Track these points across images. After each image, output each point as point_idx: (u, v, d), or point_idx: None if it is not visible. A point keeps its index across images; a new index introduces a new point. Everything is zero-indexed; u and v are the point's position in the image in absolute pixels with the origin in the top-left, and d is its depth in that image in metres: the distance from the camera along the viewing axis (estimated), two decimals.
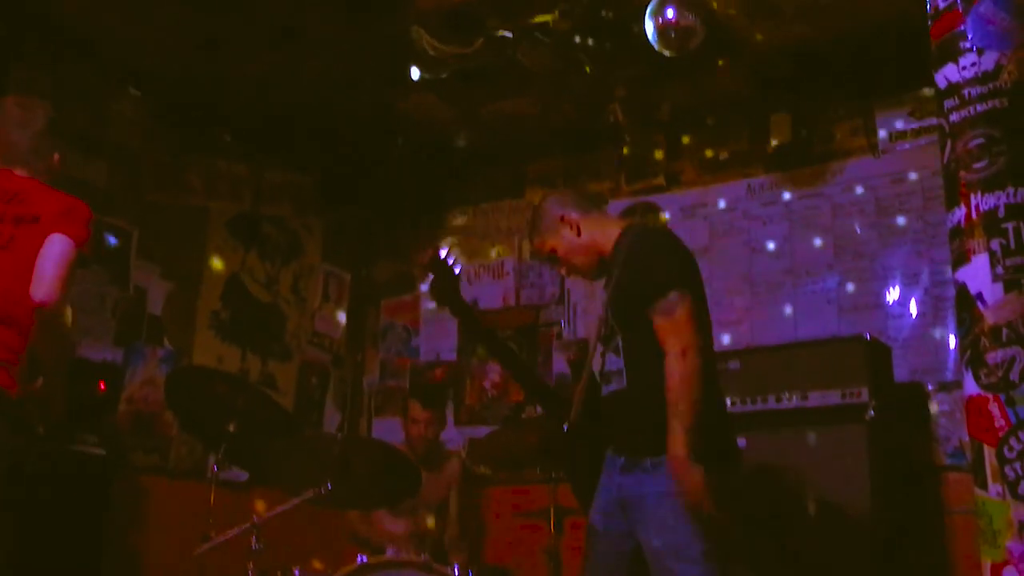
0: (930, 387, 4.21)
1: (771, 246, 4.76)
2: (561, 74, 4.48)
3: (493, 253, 5.54)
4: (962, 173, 2.60)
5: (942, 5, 2.72)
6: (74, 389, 4.05)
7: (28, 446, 2.92)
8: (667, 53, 3.94)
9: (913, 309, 4.36)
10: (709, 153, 5.06)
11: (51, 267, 2.64)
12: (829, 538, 3.57)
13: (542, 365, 5.20)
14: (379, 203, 5.82)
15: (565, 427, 2.90)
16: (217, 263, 5.11)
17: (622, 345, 2.69)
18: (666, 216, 5.08)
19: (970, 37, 2.62)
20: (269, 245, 5.36)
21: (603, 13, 4.09)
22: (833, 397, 3.74)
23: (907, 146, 4.53)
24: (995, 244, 2.49)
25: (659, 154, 5.18)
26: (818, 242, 4.64)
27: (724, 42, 4.25)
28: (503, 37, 4.13)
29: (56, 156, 2.99)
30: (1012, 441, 2.39)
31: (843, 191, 4.64)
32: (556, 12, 4.03)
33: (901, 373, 4.14)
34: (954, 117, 2.64)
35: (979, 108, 2.58)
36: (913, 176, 4.47)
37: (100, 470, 3.91)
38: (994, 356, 2.44)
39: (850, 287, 4.51)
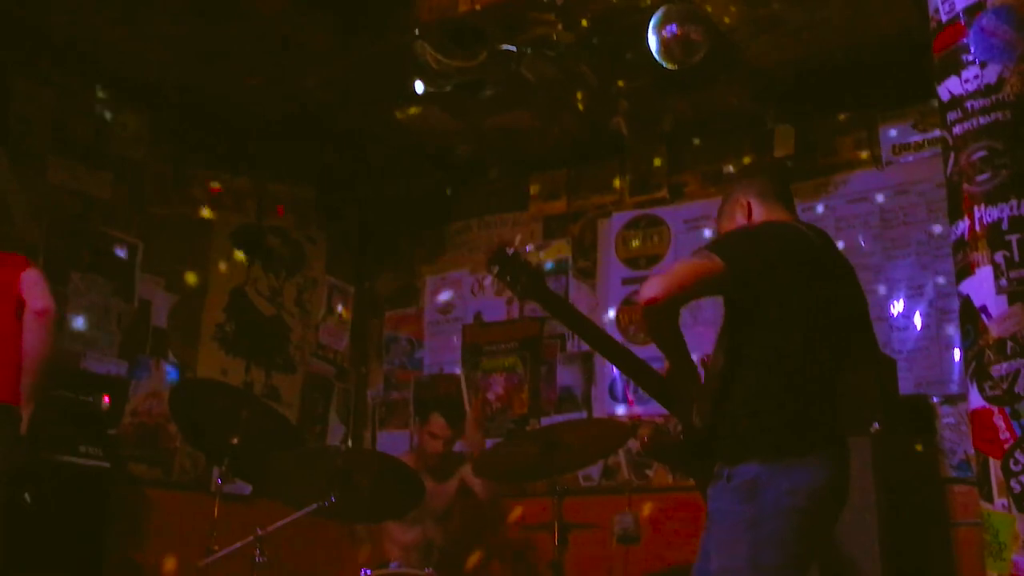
0: (935, 400, 4.20)
1: None
2: (564, 87, 4.49)
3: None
4: (965, 186, 2.60)
5: (944, 18, 2.73)
6: (78, 401, 4.05)
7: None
8: (671, 66, 3.95)
9: (918, 321, 4.35)
10: (713, 165, 5.06)
11: (40, 284, 3.30)
12: (834, 550, 3.55)
13: (546, 377, 5.20)
14: (382, 216, 5.83)
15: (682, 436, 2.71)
16: (221, 274, 5.12)
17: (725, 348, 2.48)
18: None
19: (973, 50, 2.63)
20: (273, 258, 5.36)
21: (606, 27, 4.10)
22: None
23: (911, 158, 4.54)
24: (999, 256, 2.49)
25: (661, 165, 5.19)
26: None
27: (727, 55, 4.26)
28: (506, 50, 4.14)
29: None
30: (1017, 454, 2.38)
31: (847, 203, 4.64)
32: (560, 25, 4.04)
33: (906, 386, 4.13)
34: (957, 129, 2.64)
35: (982, 120, 2.58)
36: (917, 188, 4.47)
37: (103, 483, 3.91)
38: (999, 368, 2.44)
39: None
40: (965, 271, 2.58)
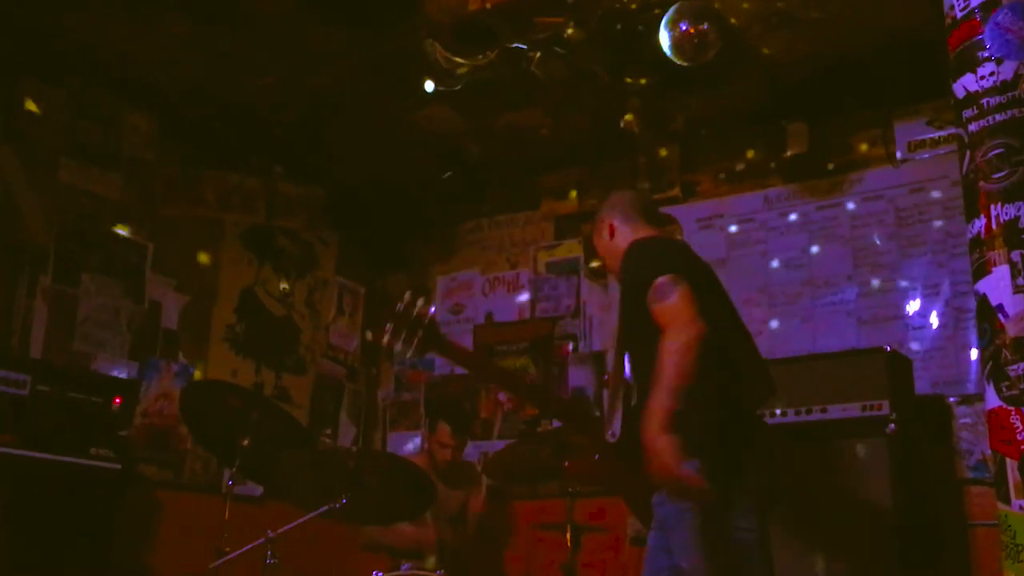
0: (952, 400, 4.15)
1: (789, 257, 4.72)
2: (575, 85, 4.47)
3: (508, 266, 5.53)
4: (981, 183, 2.57)
5: (960, 14, 2.69)
6: (89, 403, 4.05)
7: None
8: (683, 63, 3.92)
9: (934, 321, 4.31)
10: (725, 164, 5.03)
11: None
12: (851, 552, 3.52)
13: (557, 378, 5.17)
14: (392, 216, 5.82)
15: (596, 456, 2.84)
16: (231, 275, 5.12)
17: (629, 360, 2.66)
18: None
19: (988, 47, 2.59)
20: (283, 258, 5.36)
21: (617, 24, 4.07)
22: (853, 410, 3.69)
23: (926, 156, 4.49)
24: (1016, 255, 2.46)
25: (673, 165, 5.16)
26: (836, 253, 4.59)
27: (740, 52, 4.22)
28: (517, 48, 4.12)
29: None
30: None
31: (862, 201, 4.60)
32: (570, 23, 4.02)
33: (922, 386, 4.09)
34: (973, 127, 2.61)
35: (998, 117, 2.55)
36: (933, 186, 4.43)
37: (114, 484, 3.90)
38: (1016, 368, 2.41)
39: (869, 299, 4.47)
40: (981, 270, 2.55)
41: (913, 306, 4.37)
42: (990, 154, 2.56)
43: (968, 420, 4.08)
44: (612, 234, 2.92)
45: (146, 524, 4.36)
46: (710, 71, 4.10)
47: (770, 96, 4.67)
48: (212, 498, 4.29)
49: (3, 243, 4.11)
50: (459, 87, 4.32)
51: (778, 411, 3.78)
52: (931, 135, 4.47)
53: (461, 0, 3.98)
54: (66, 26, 4.17)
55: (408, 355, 3.02)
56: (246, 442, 3.46)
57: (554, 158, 5.40)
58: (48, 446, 3.63)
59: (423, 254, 5.78)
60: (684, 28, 3.81)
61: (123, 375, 4.49)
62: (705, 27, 3.81)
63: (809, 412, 3.78)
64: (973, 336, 4.01)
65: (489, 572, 4.82)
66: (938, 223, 4.38)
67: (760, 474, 2.56)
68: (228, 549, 3.33)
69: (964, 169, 2.65)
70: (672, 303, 2.48)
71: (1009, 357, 2.42)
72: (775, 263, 4.74)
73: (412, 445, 5.45)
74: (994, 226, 2.51)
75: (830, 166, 4.71)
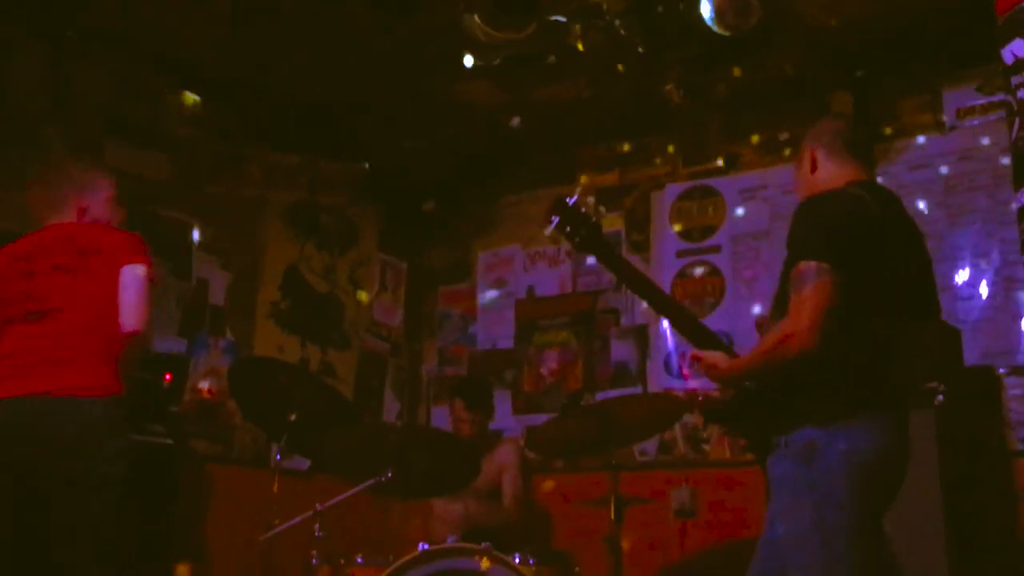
0: (1001, 370, 4.09)
1: None
2: (614, 56, 4.42)
3: (549, 240, 5.51)
4: None
5: None
6: (141, 380, 4.13)
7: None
8: (724, 32, 3.86)
9: (983, 290, 4.23)
10: (768, 134, 4.96)
11: (135, 297, 2.95)
12: (900, 525, 3.49)
13: (600, 352, 5.17)
14: (433, 191, 5.82)
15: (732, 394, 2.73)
16: (275, 252, 5.17)
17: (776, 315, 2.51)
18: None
19: None
20: (326, 235, 5.40)
21: None
22: None
23: (976, 122, 4.39)
24: None
25: (716, 136, 5.10)
26: None
27: (782, 20, 4.15)
28: (556, 21, 4.09)
29: (119, 217, 3.27)
30: None
31: (909, 170, 4.51)
32: None
33: (971, 356, 4.03)
34: (1021, 93, 2.55)
35: None
36: (981, 154, 4.33)
37: (168, 459, 3.98)
38: None
39: None
40: None
41: (962, 276, 4.29)
42: None
43: (1018, 391, 4.02)
44: (814, 167, 2.61)
45: (198, 498, 4.45)
46: (752, 40, 4.04)
47: (813, 63, 4.59)
48: (261, 472, 4.36)
49: None
50: (498, 61, 4.31)
51: None
52: (981, 101, 4.37)
53: None
54: (109, 7, 4.21)
55: (573, 246, 2.95)
56: (293, 417, 3.52)
57: (594, 131, 5.36)
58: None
59: (464, 229, 5.79)
60: None
61: (173, 351, 4.56)
62: None
63: None
64: None
65: (532, 545, 4.85)
66: (988, 191, 4.29)
67: None
68: (277, 521, 3.40)
69: (1013, 136, 2.59)
70: (802, 297, 2.29)
71: None
72: None
73: None
74: None
75: (877, 134, 4.62)
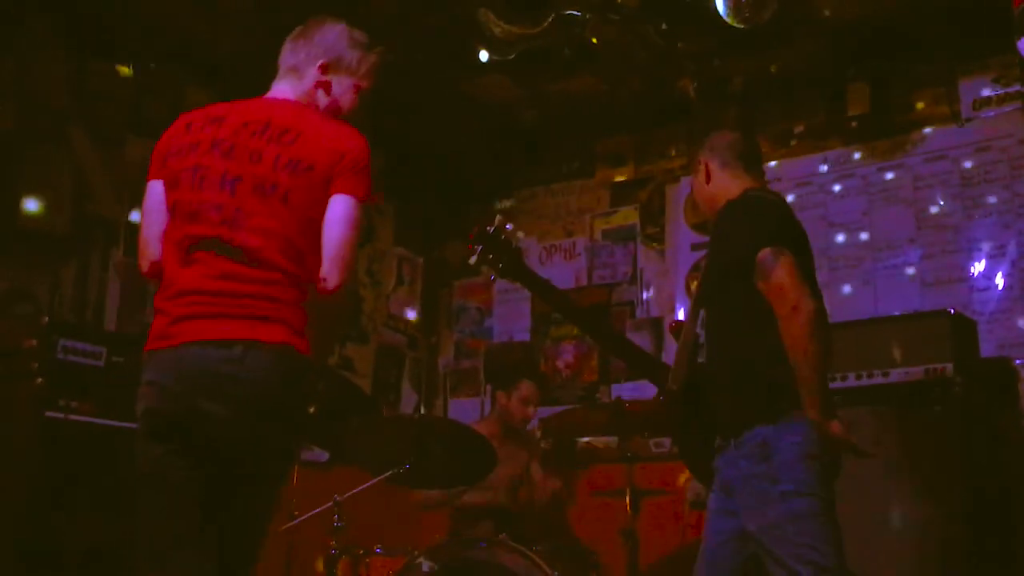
0: (1018, 362, 4.07)
1: (849, 220, 4.65)
2: (630, 50, 4.43)
3: (564, 234, 5.53)
4: None
5: None
6: None
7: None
8: (738, 25, 3.86)
9: (1000, 282, 4.23)
10: (784, 126, 4.95)
11: (340, 246, 2.24)
12: (912, 521, 3.50)
13: None
14: (449, 185, 5.85)
15: (661, 397, 2.81)
16: None
17: (704, 319, 2.63)
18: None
19: None
20: None
21: None
22: (917, 374, 3.65)
23: (992, 113, 4.38)
24: None
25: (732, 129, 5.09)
26: (899, 215, 4.52)
27: (798, 11, 4.14)
28: (571, 15, 4.10)
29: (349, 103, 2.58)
30: None
31: (925, 162, 4.51)
32: None
33: (988, 348, 4.03)
34: None
35: None
36: (998, 145, 4.32)
37: None
38: None
39: (933, 261, 4.39)
40: None
41: (978, 267, 4.28)
42: None
43: None
44: (708, 177, 2.76)
45: None
46: (767, 32, 4.04)
47: (830, 55, 4.59)
48: None
49: (77, 219, 4.23)
50: (513, 55, 4.32)
51: (838, 376, 3.75)
52: (998, 92, 4.36)
53: None
54: (131, 4, 4.25)
55: (493, 277, 3.02)
56: (312, 410, 3.55)
57: (609, 124, 5.37)
58: (125, 414, 3.75)
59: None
60: None
61: None
62: None
63: (871, 376, 3.74)
64: None
65: (549, 536, 4.88)
66: (1004, 183, 4.28)
67: None
68: (297, 513, 3.44)
69: None
70: (776, 280, 2.36)
71: None
72: (836, 226, 4.68)
73: (474, 410, 5.52)
74: None
75: (893, 126, 4.62)
